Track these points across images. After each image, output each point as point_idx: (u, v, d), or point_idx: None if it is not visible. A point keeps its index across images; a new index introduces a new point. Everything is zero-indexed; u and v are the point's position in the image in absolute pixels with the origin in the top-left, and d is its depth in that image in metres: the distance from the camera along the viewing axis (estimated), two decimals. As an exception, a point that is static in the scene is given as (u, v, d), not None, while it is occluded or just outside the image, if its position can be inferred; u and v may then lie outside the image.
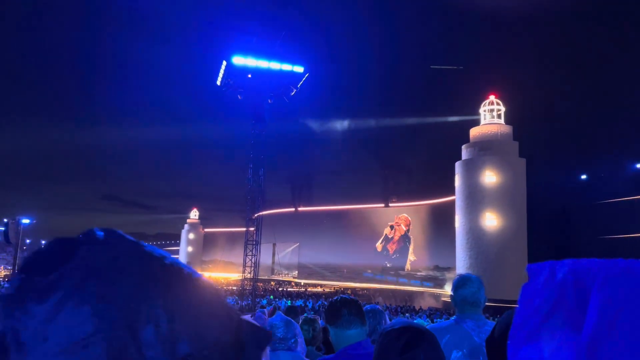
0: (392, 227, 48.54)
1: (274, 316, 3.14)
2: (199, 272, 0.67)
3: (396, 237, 47.86)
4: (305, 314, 14.95)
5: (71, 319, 0.52)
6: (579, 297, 0.60)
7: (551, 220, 32.83)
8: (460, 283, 2.70)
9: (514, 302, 29.35)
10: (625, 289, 0.56)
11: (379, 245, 48.96)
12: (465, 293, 2.65)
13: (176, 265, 0.64)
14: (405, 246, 46.61)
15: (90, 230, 0.64)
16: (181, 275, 0.63)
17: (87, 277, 0.56)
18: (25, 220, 32.16)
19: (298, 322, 4.06)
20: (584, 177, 33.39)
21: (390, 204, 53.59)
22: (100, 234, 0.63)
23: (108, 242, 0.62)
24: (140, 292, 0.56)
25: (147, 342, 0.54)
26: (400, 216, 47.72)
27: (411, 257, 45.46)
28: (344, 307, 2.34)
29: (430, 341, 1.53)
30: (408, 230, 46.77)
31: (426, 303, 37.40)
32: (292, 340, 2.86)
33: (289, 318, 3.00)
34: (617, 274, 0.59)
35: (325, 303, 28.76)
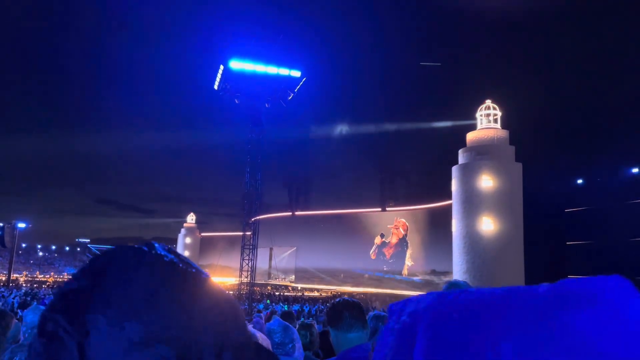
0: (382, 235, 48.71)
1: (271, 321, 3.15)
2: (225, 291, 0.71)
3: (393, 242, 47.93)
4: (302, 319, 14.94)
5: (118, 342, 0.54)
6: (411, 339, 0.59)
7: (547, 225, 32.92)
8: (449, 289, 2.74)
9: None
10: (445, 328, 0.56)
11: (372, 254, 49.03)
12: None
13: (206, 279, 0.67)
14: (402, 250, 46.65)
15: (151, 243, 0.68)
16: (210, 288, 0.66)
17: (133, 299, 0.57)
18: (21, 225, 32.06)
19: (295, 327, 4.07)
20: (580, 181, 33.53)
21: (387, 209, 53.68)
22: (161, 247, 0.67)
23: (137, 257, 0.64)
24: (162, 302, 0.58)
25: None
26: (399, 220, 47.81)
27: (408, 262, 45.51)
28: (346, 309, 2.37)
29: None
30: (406, 235, 46.84)
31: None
32: (290, 346, 2.88)
33: (287, 323, 3.01)
34: (439, 313, 0.58)
35: (322, 307, 28.72)
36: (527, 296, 0.55)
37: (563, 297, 0.52)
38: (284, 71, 27.88)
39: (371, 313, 3.32)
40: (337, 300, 2.47)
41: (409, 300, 0.65)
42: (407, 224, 47.00)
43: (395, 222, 48.15)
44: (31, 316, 3.16)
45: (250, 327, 2.55)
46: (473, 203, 32.12)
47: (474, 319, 0.55)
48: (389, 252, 47.91)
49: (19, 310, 15.09)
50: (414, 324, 0.60)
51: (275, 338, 2.75)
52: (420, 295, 0.64)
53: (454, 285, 2.79)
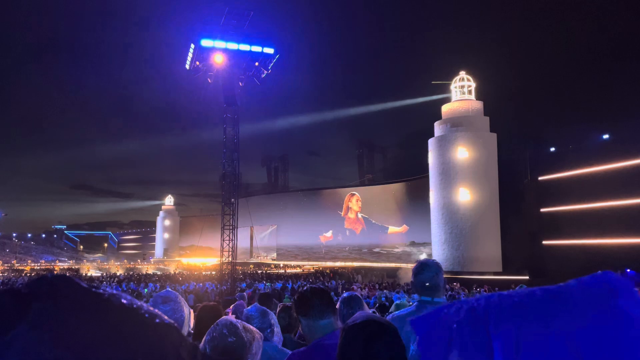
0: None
1: (249, 307, 3.16)
2: (163, 316, 0.66)
3: (352, 217, 49.07)
4: (285, 298, 15.02)
5: None
6: (475, 339, 0.62)
7: (522, 193, 33.63)
8: (419, 269, 2.79)
9: (488, 273, 30.19)
10: (518, 321, 0.59)
11: (347, 224, 49.58)
12: (424, 278, 2.74)
13: (136, 310, 0.62)
14: (374, 224, 47.20)
15: (42, 279, 0.61)
16: (140, 320, 0.61)
17: (42, 337, 0.54)
18: (-6, 214, 31.30)
19: (273, 309, 4.10)
20: (552, 149, 34.18)
21: (365, 184, 54.03)
22: (51, 285, 0.60)
23: (61, 294, 0.59)
24: (91, 346, 0.55)
25: None
26: (353, 196, 49.06)
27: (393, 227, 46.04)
28: (314, 297, 2.33)
29: (390, 334, 1.57)
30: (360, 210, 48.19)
31: (405, 279, 38.09)
32: (268, 330, 2.90)
33: (265, 308, 3.03)
34: (506, 308, 0.62)
35: (305, 283, 29.02)
36: (570, 294, 0.61)
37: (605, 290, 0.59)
38: (256, 48, 27.40)
39: (345, 294, 3.33)
40: (305, 289, 2.45)
41: (453, 303, 0.69)
42: (360, 198, 48.30)
43: (348, 197, 49.35)
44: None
45: (232, 317, 2.54)
46: (449, 174, 32.55)
47: (538, 314, 0.59)
48: (357, 228, 48.75)
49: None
50: (473, 322, 0.63)
51: (253, 324, 2.75)
52: (470, 298, 0.68)
53: (423, 264, 2.81)
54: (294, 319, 3.51)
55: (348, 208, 49.55)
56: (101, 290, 0.63)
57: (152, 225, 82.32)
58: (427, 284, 2.72)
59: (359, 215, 48.21)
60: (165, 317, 0.66)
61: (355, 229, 48.90)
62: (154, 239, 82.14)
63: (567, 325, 0.58)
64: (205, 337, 2.13)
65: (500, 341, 0.60)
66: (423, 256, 39.41)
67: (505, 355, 0.58)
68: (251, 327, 2.20)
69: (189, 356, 0.65)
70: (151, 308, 0.66)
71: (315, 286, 2.45)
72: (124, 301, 0.62)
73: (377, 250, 46.66)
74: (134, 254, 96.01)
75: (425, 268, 2.77)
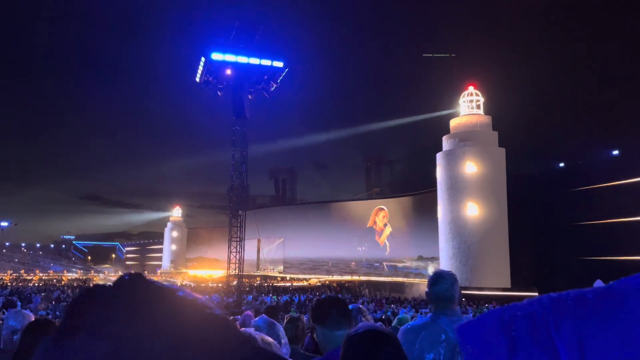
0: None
1: (257, 319, 3.17)
2: (216, 309, 0.75)
3: (381, 230, 48.34)
4: (292, 311, 14.96)
5: (90, 356, 0.63)
6: (537, 339, 0.63)
7: (531, 208, 33.38)
8: (434, 280, 2.79)
9: (496, 289, 29.86)
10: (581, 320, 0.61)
11: (381, 240, 48.59)
12: (439, 290, 2.74)
13: (193, 301, 0.72)
14: (390, 237, 46.93)
15: (120, 277, 0.75)
16: (197, 314, 0.71)
17: (105, 318, 0.66)
18: (4, 223, 31.59)
19: (280, 321, 4.10)
20: (561, 165, 33.98)
21: (373, 197, 53.92)
22: (125, 279, 0.73)
23: (130, 286, 0.71)
24: (152, 330, 0.65)
25: None
26: (379, 212, 48.28)
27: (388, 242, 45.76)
28: (332, 307, 2.31)
29: (393, 344, 1.57)
30: (386, 225, 47.45)
31: (412, 293, 37.78)
32: (276, 342, 2.90)
33: (272, 320, 3.03)
34: (566, 309, 0.63)
35: (312, 297, 28.85)
36: (624, 295, 0.62)
37: None
38: (266, 62, 27.65)
39: (352, 305, 3.32)
40: (323, 296, 2.44)
41: (503, 309, 0.69)
42: (387, 212, 47.48)
43: (375, 211, 48.66)
44: (12, 321, 3.06)
45: (251, 330, 2.53)
46: (458, 189, 32.40)
47: (605, 315, 0.60)
48: (382, 241, 48.02)
49: (4, 310, 14.89)
50: (538, 329, 0.63)
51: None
52: (518, 303, 0.68)
53: (438, 275, 2.81)
54: (301, 330, 3.51)
55: (375, 222, 48.91)
56: (164, 284, 0.75)
57: (160, 236, 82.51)
58: (443, 295, 2.72)
59: (388, 229, 47.23)
60: (218, 310, 0.75)
61: (380, 242, 48.35)
62: (155, 251, 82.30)
63: (628, 325, 0.58)
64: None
65: (564, 343, 0.60)
66: (430, 270, 39.11)
67: (571, 356, 0.59)
68: (269, 338, 2.19)
69: (240, 348, 0.73)
70: (205, 299, 0.76)
71: (333, 296, 2.44)
72: (183, 293, 0.73)
73: (383, 264, 46.39)
74: (134, 265, 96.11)
75: (441, 279, 2.78)
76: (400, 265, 44.49)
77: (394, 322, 6.79)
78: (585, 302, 0.63)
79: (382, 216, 47.79)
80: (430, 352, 2.55)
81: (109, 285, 0.73)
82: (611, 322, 0.60)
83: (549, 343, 0.62)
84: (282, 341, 2.92)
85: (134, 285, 0.71)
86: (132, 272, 0.76)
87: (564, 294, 0.68)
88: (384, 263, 46.27)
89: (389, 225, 47.07)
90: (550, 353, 0.61)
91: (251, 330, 2.24)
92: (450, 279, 2.78)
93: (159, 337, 0.64)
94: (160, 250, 79.98)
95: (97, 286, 0.73)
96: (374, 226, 48.58)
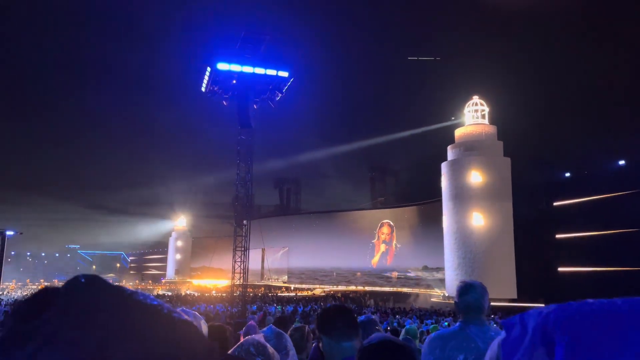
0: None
1: (265, 329, 3.16)
2: (182, 314, 0.69)
3: (382, 247, 48.39)
4: (296, 321, 14.88)
5: None
6: (548, 347, 0.62)
7: (537, 218, 33.22)
8: (464, 290, 2.75)
9: (502, 300, 29.65)
10: (583, 331, 0.60)
11: (374, 261, 48.72)
12: (469, 299, 2.70)
13: (156, 307, 0.66)
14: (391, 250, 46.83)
15: (74, 278, 0.67)
16: (160, 316, 0.65)
17: (61, 325, 0.58)
18: (10, 232, 31.72)
19: (288, 333, 4.09)
20: (567, 175, 33.86)
21: (378, 207, 53.82)
22: (82, 281, 0.66)
23: (88, 289, 0.64)
24: (112, 335, 0.58)
25: None
26: (382, 227, 48.26)
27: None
28: (339, 316, 2.24)
29: (406, 354, 1.56)
30: (391, 239, 47.33)
31: (417, 304, 37.57)
32: (284, 352, 2.89)
33: (280, 330, 3.03)
34: (569, 317, 0.62)
35: (316, 307, 28.72)
36: None
37: None
38: (271, 72, 27.82)
39: (361, 317, 3.30)
40: (328, 305, 2.38)
41: (522, 315, 0.71)
42: (391, 225, 47.51)
43: (378, 231, 48.67)
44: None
45: (259, 336, 2.52)
46: (463, 198, 32.31)
47: (612, 329, 0.58)
48: (389, 259, 47.84)
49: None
50: (545, 332, 0.63)
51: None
52: (535, 310, 0.70)
53: (469, 285, 2.77)
54: (305, 340, 3.50)
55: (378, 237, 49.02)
56: (124, 288, 0.68)
57: (165, 245, 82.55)
58: (473, 305, 2.70)
59: (395, 244, 47.25)
60: (184, 315, 0.69)
61: (373, 264, 48.45)
62: (156, 260, 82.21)
63: None
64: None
65: (562, 347, 0.60)
66: (435, 280, 38.90)
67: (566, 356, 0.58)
68: (273, 351, 2.18)
69: (207, 353, 0.67)
70: (170, 306, 0.70)
71: (340, 305, 2.38)
72: (145, 297, 0.67)
73: (387, 274, 46.21)
74: (138, 275, 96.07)
75: (471, 289, 2.74)
76: (406, 275, 44.30)
77: (402, 334, 6.73)
78: (609, 312, 0.61)
79: (386, 232, 47.85)
80: (461, 353, 2.53)
81: (62, 287, 0.66)
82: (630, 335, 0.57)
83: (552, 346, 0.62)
84: (290, 352, 2.92)
85: (92, 288, 0.64)
86: (89, 274, 0.69)
87: (592, 300, 0.66)
88: (394, 273, 46.06)
89: (388, 242, 47.06)
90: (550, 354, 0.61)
91: (259, 337, 2.23)
92: (480, 289, 2.74)
93: (122, 346, 0.58)
94: (165, 260, 80.00)
95: (48, 288, 0.67)
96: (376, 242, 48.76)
